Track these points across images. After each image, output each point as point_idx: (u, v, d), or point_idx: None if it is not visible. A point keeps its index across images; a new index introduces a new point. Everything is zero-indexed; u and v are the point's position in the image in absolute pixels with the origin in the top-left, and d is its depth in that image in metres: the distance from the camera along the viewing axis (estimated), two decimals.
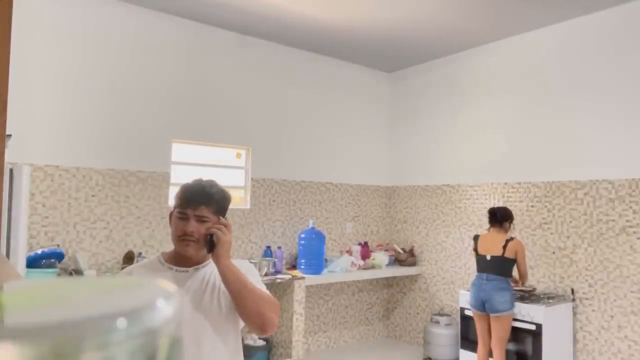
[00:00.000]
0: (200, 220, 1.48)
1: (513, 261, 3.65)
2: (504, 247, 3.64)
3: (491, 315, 3.64)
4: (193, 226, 1.47)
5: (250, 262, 1.67)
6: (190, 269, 1.51)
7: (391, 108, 5.67)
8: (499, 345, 3.62)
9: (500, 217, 3.76)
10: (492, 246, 3.70)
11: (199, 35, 4.30)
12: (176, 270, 1.51)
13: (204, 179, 1.59)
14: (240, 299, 1.42)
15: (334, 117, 5.19)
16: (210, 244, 1.48)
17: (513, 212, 3.89)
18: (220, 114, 4.40)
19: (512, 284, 3.72)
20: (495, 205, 4.22)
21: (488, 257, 3.70)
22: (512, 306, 3.62)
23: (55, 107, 3.59)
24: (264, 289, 1.51)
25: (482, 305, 3.67)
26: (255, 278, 1.53)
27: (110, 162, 3.81)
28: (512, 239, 3.68)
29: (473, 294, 3.74)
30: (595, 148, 3.87)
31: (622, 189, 3.70)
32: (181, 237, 1.48)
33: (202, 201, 1.49)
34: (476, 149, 4.72)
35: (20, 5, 3.22)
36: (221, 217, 1.53)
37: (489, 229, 3.83)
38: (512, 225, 3.84)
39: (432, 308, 5.01)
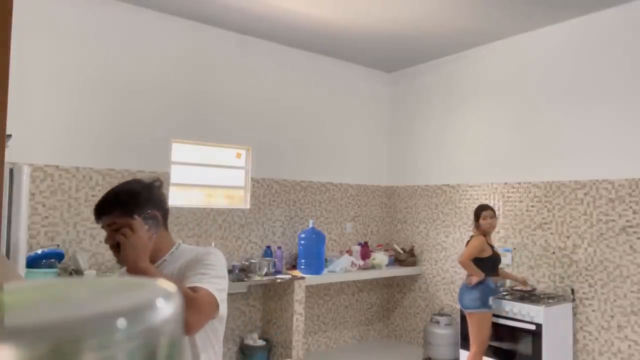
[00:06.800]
0: (113, 229, 1.44)
1: (480, 259, 3.65)
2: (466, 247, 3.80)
3: (464, 312, 3.76)
4: (108, 237, 1.45)
5: (209, 250, 1.53)
6: None
7: (391, 108, 5.67)
8: (474, 343, 3.64)
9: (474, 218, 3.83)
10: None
11: (199, 35, 4.29)
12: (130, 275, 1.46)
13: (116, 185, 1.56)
14: None
15: (333, 117, 5.19)
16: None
17: (487, 208, 3.77)
18: (220, 114, 4.39)
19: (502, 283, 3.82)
20: (495, 205, 4.22)
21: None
22: (482, 305, 3.60)
23: (55, 107, 3.59)
24: (203, 280, 1.39)
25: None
26: (198, 270, 1.42)
27: (110, 162, 3.81)
28: (471, 237, 3.79)
29: None
30: (595, 148, 3.86)
31: (622, 189, 3.70)
32: (111, 250, 1.48)
33: (101, 210, 1.46)
34: (476, 149, 4.72)
35: (20, 5, 3.22)
36: (135, 217, 1.44)
37: None
38: (485, 221, 3.69)
39: (432, 308, 5.01)
